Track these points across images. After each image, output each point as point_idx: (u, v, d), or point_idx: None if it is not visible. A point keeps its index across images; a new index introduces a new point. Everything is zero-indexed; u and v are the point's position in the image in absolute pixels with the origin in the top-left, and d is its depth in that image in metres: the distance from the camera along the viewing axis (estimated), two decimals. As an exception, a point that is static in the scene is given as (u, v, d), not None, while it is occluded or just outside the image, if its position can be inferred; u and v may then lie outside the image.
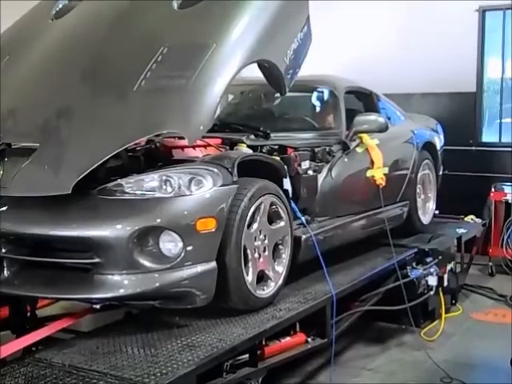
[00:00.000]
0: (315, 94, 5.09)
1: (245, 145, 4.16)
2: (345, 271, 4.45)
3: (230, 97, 5.69)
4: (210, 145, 4.05)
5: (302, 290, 3.96)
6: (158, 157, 3.80)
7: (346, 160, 4.63)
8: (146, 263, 3.13)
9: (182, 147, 3.98)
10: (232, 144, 4.17)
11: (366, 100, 5.48)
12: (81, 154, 3.26)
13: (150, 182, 3.30)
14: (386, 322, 5.26)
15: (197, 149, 4.03)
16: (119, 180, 3.31)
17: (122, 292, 3.11)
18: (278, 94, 5.09)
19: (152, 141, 3.95)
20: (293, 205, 4.01)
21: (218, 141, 4.19)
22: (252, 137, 4.34)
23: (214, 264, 3.27)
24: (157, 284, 3.14)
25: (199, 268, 3.22)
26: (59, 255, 3.24)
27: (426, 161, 5.76)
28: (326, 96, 5.07)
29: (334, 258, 4.39)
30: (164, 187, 3.27)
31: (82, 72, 3.60)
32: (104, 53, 3.63)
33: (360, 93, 5.44)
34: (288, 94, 4.38)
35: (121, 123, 3.31)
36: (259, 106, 5.41)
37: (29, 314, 3.92)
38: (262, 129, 4.39)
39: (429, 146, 5.84)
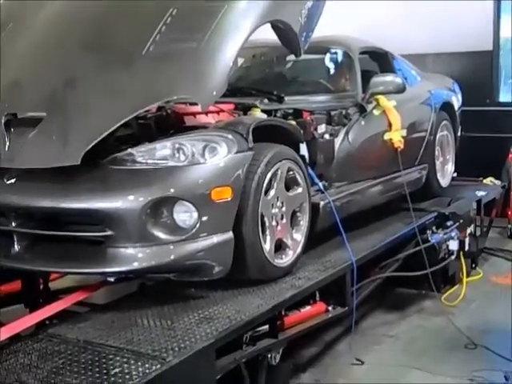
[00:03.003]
0: (329, 55, 4.90)
1: (259, 109, 4.02)
2: (364, 237, 4.33)
3: (241, 61, 5.54)
4: (222, 110, 3.91)
5: (320, 258, 3.85)
6: (169, 124, 3.68)
7: (362, 123, 4.49)
8: (160, 235, 3.02)
9: (194, 113, 3.85)
10: (245, 109, 4.04)
11: (381, 60, 5.31)
12: (89, 123, 3.13)
13: (162, 151, 3.17)
14: (406, 287, 5.16)
15: (209, 115, 3.91)
16: (130, 149, 3.19)
17: (136, 265, 3.01)
18: (290, 57, 4.95)
19: (163, 107, 3.82)
20: (310, 170, 3.88)
21: (231, 106, 4.06)
22: (266, 101, 4.20)
23: (230, 234, 3.16)
24: (172, 256, 3.03)
25: (215, 239, 3.10)
26: (70, 228, 3.13)
27: (444, 122, 5.61)
28: (340, 57, 4.89)
29: (353, 224, 4.27)
30: (177, 155, 3.14)
31: (88, 38, 3.45)
32: (110, 17, 3.48)
33: (375, 53, 5.27)
34: (302, 56, 4.22)
35: (130, 90, 3.17)
36: (272, 69, 5.23)
37: (41, 287, 3.84)
38: (275, 92, 4.25)
39: (446, 107, 5.67)
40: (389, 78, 4.67)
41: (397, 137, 4.71)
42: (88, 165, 3.05)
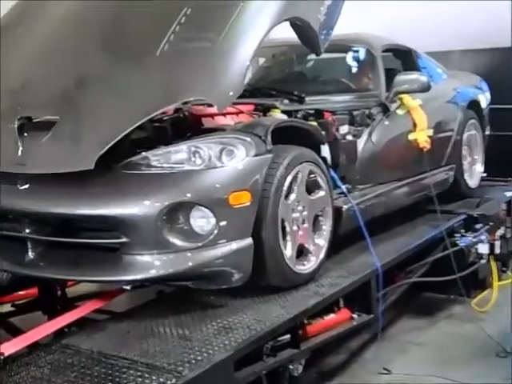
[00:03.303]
0: (351, 53, 4.76)
1: (278, 110, 3.91)
2: (389, 241, 4.19)
3: (262, 60, 5.42)
4: (241, 111, 3.80)
5: (344, 264, 3.72)
6: (186, 126, 3.57)
7: (386, 123, 4.34)
8: (177, 242, 2.91)
9: (212, 115, 3.74)
10: (265, 110, 3.92)
11: (405, 58, 5.15)
12: (103, 126, 3.04)
13: (177, 154, 3.06)
14: (433, 292, 4.99)
15: (228, 116, 3.79)
16: (145, 153, 3.08)
17: (152, 273, 2.90)
18: (311, 56, 4.84)
19: (180, 109, 3.72)
20: (332, 173, 3.75)
21: (250, 107, 3.95)
22: (286, 101, 4.08)
23: (249, 240, 3.04)
24: (189, 264, 2.92)
25: (234, 245, 2.99)
26: (85, 235, 3.04)
27: (472, 121, 5.43)
28: (362, 55, 4.74)
29: (377, 227, 4.13)
30: (193, 159, 3.04)
31: (101, 39, 3.36)
32: (124, 17, 3.39)
33: (398, 51, 5.12)
34: (323, 55, 4.09)
35: (144, 92, 3.06)
36: (292, 68, 5.12)
37: (59, 293, 3.75)
38: (296, 92, 4.12)
39: (474, 105, 5.50)
40: (413, 76, 4.53)
41: (422, 137, 4.56)
42: (102, 169, 2.96)
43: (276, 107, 3.93)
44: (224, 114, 3.77)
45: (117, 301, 3.37)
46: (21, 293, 3.59)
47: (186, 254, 2.93)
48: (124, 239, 2.90)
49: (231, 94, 3.06)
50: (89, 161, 2.89)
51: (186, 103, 3.66)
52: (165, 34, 3.14)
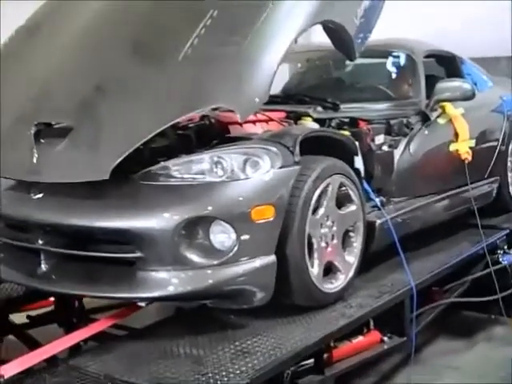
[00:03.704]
0: (390, 59, 4.52)
1: (310, 118, 3.71)
2: (425, 258, 3.94)
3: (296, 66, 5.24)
4: (271, 119, 3.62)
5: (375, 282, 3.49)
6: (212, 134, 3.40)
7: (426, 133, 4.10)
8: (195, 258, 2.74)
9: (240, 123, 3.56)
10: (297, 118, 3.74)
11: (448, 65, 4.89)
12: (120, 133, 2.89)
13: (199, 164, 2.90)
14: (472, 310, 4.73)
15: (257, 124, 3.61)
16: (164, 162, 2.92)
17: (169, 291, 2.74)
18: (348, 62, 4.61)
19: (207, 116, 3.55)
20: (365, 185, 3.54)
21: (282, 114, 3.76)
22: (319, 109, 3.88)
23: (273, 258, 2.86)
24: (209, 281, 2.75)
25: (256, 263, 2.81)
26: (99, 248, 2.88)
27: (518, 131, 5.14)
28: (402, 61, 4.49)
29: (413, 242, 3.90)
30: (215, 170, 2.87)
31: (122, 43, 3.21)
32: (147, 19, 3.22)
33: (441, 56, 4.86)
34: (360, 61, 3.94)
35: (164, 98, 2.91)
36: (327, 74, 4.89)
37: (76, 304, 3.62)
38: (330, 100, 3.92)
39: (521, 114, 5.21)
40: (456, 83, 4.28)
41: (464, 148, 4.31)
42: (119, 179, 2.81)
43: (308, 115, 3.75)
44: (253, 122, 3.60)
45: (135, 315, 3.23)
46: (36, 305, 3.46)
47: (206, 271, 2.77)
48: (139, 254, 2.75)
49: (257, 100, 2.88)
50: (104, 171, 2.74)
51: (215, 109, 3.51)
52: (189, 37, 2.98)
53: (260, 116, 3.59)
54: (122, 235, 2.77)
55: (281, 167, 2.92)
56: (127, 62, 3.07)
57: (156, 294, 2.76)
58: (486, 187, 4.78)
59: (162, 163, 2.92)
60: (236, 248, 2.76)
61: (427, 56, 4.57)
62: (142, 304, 2.94)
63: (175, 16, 3.14)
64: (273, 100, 3.77)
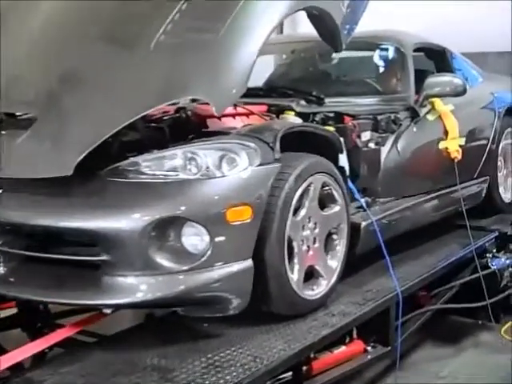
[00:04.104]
0: (378, 51, 4.31)
1: (293, 112, 3.51)
2: (412, 262, 3.77)
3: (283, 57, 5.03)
4: (252, 113, 3.41)
5: (359, 288, 3.30)
6: (188, 128, 3.18)
7: (414, 130, 3.91)
8: (166, 262, 2.52)
9: (219, 116, 3.34)
10: (279, 111, 3.53)
11: (438, 58, 4.71)
12: (87, 125, 2.67)
13: (171, 161, 2.68)
14: (459, 315, 4.55)
15: (237, 118, 3.40)
16: (134, 158, 2.70)
17: (138, 297, 2.52)
18: (335, 54, 4.41)
19: (183, 108, 3.33)
20: (350, 184, 3.34)
21: (263, 108, 3.55)
22: (303, 102, 3.67)
23: (249, 262, 2.65)
24: (181, 287, 2.53)
25: (232, 267, 2.60)
26: (62, 251, 2.66)
27: (509, 129, 4.96)
28: (390, 54, 4.28)
29: (399, 244, 3.71)
30: (188, 167, 2.65)
31: (91, 29, 2.98)
32: (117, 4, 2.99)
33: (431, 50, 4.66)
34: (347, 53, 3.75)
35: (134, 88, 2.68)
36: (313, 66, 4.67)
37: (41, 308, 3.39)
38: (314, 93, 3.71)
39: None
40: (446, 78, 4.10)
41: (454, 146, 4.12)
42: (84, 176, 2.59)
43: (291, 109, 3.54)
44: (233, 115, 3.39)
45: (105, 320, 3.01)
46: None
47: (177, 276, 2.55)
48: (105, 257, 2.53)
49: (234, 91, 2.67)
50: (68, 166, 2.52)
51: (194, 101, 3.30)
52: (162, 23, 2.76)
53: (240, 109, 3.38)
54: (87, 236, 2.55)
55: (259, 165, 2.71)
56: (97, 50, 2.84)
57: (123, 300, 2.54)
58: (476, 187, 4.61)
59: (132, 159, 2.70)
60: (210, 251, 2.55)
61: (417, 49, 4.37)
62: (108, 311, 2.71)
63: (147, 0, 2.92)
64: (255, 92, 3.60)
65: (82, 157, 2.51)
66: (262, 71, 4.39)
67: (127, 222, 2.49)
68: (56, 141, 2.65)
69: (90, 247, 2.58)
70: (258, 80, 4.11)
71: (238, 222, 2.59)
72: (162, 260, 2.53)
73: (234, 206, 2.59)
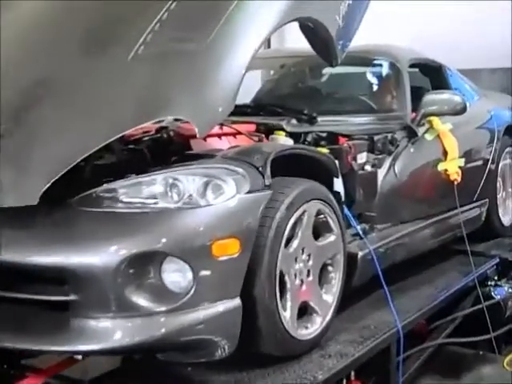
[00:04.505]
0: (373, 67, 4.10)
1: (283, 132, 3.26)
2: (411, 292, 3.54)
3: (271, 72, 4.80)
4: (240, 132, 3.15)
5: (356, 323, 3.04)
6: (170, 150, 2.91)
7: (412, 150, 3.67)
8: (144, 302, 2.25)
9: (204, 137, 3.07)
10: (268, 131, 3.29)
11: (434, 75, 4.50)
12: (55, 147, 2.39)
13: (150, 187, 2.41)
14: (460, 346, 4.29)
15: (223, 138, 3.14)
16: (108, 184, 2.43)
17: (112, 343, 2.23)
18: (327, 69, 4.17)
19: (165, 128, 3.06)
20: (346, 211, 3.09)
21: (252, 127, 3.30)
22: (294, 121, 3.42)
23: (237, 301, 2.38)
24: (162, 331, 2.26)
25: (218, 307, 2.33)
26: (28, 289, 2.36)
27: (509, 148, 4.76)
28: (386, 70, 4.06)
29: (394, 273, 3.46)
30: (169, 194, 2.39)
31: (67, 39, 2.71)
32: (97, 11, 2.73)
33: (427, 66, 4.46)
34: (339, 69, 3.52)
35: (109, 107, 2.42)
36: (304, 83, 4.43)
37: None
38: (306, 111, 3.47)
39: (511, 130, 4.81)
40: (445, 95, 3.86)
41: (453, 167, 3.89)
42: (52, 205, 2.32)
43: (281, 128, 3.30)
44: (219, 136, 3.13)
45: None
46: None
47: (157, 318, 2.27)
48: (74, 297, 2.24)
49: (220, 110, 2.42)
50: (33, 194, 2.25)
51: (177, 120, 3.03)
52: (141, 33, 2.50)
53: (227, 129, 3.12)
54: (54, 273, 2.27)
55: (248, 192, 2.45)
56: (69, 59, 2.58)
57: (96, 346, 2.25)
58: (475, 211, 4.37)
59: (107, 185, 2.43)
60: (193, 290, 2.27)
61: (412, 65, 4.15)
62: (79, 357, 2.42)
63: (127, 7, 2.65)
64: (242, 110, 3.34)
65: (49, 184, 2.24)
66: (249, 86, 4.14)
67: (100, 257, 2.22)
68: (20, 164, 2.38)
69: (58, 286, 2.30)
70: (243, 96, 3.88)
71: (225, 257, 2.32)
72: (140, 300, 2.25)
73: (220, 238, 2.32)
